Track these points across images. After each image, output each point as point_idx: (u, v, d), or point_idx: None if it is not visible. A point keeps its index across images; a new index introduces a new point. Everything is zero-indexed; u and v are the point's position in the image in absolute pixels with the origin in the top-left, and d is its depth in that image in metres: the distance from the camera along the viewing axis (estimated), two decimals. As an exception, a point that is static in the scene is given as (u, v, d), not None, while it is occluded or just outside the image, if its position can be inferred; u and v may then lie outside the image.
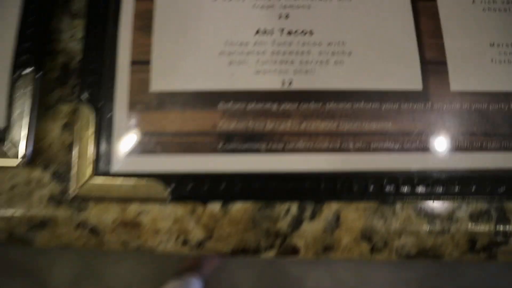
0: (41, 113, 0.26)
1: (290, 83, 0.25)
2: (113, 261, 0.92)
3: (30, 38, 0.26)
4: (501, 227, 0.25)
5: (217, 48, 0.26)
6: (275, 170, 0.24)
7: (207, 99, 0.25)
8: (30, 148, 0.25)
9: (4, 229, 0.26)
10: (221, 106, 0.25)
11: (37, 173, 0.26)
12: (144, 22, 0.26)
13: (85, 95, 0.25)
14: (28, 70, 0.26)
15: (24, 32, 0.26)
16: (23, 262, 0.92)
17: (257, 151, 0.24)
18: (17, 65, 0.26)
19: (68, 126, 0.26)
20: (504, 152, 0.25)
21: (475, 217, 0.25)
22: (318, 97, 0.25)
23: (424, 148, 0.25)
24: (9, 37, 0.26)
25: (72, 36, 0.28)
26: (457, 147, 0.25)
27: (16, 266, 0.92)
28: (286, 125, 0.25)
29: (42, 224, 0.26)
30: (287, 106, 0.25)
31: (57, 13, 0.29)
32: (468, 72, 0.26)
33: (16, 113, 0.25)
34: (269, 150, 0.24)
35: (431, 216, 0.25)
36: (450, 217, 0.25)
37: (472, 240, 0.25)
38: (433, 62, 0.26)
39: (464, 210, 0.26)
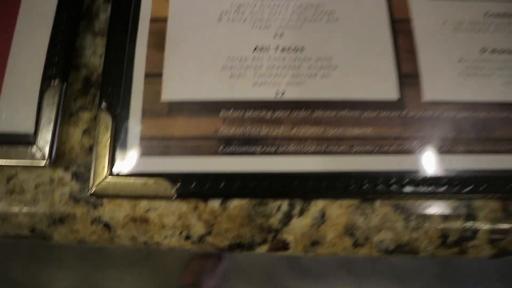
0: (64, 119, 0.30)
1: (283, 94, 0.29)
2: (112, 278, 0.93)
3: (58, 53, 0.30)
4: (469, 224, 0.28)
5: (220, 63, 0.29)
6: (268, 170, 0.27)
7: (210, 108, 0.28)
8: (54, 151, 0.29)
9: (27, 224, 0.29)
10: (222, 113, 0.28)
11: (59, 173, 0.29)
12: (158, 40, 0.30)
13: (104, 104, 0.29)
14: (55, 81, 0.30)
15: (53, 48, 0.30)
16: (23, 279, 0.93)
17: (253, 153, 0.28)
18: (46, 77, 0.30)
19: (88, 131, 0.30)
20: (470, 155, 0.28)
21: (445, 214, 0.28)
22: (307, 106, 0.29)
23: (400, 151, 0.28)
24: (41, 52, 0.30)
25: (94, 52, 0.32)
26: (429, 150, 0.28)
27: (16, 283, 0.93)
28: (279, 131, 0.28)
29: (61, 220, 0.29)
30: (279, 114, 0.28)
31: (82, 32, 0.33)
32: (439, 84, 0.30)
33: (43, 119, 0.29)
34: (264, 153, 0.28)
35: (406, 213, 0.28)
36: (423, 214, 0.28)
37: (444, 236, 0.28)
38: (408, 75, 0.30)
39: (436, 207, 0.29)
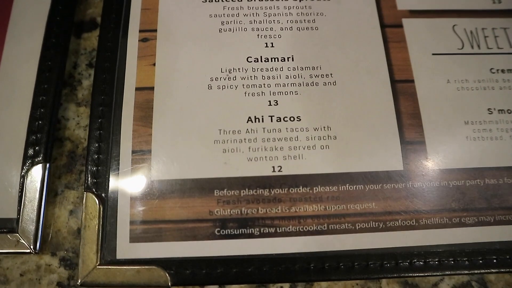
0: (49, 200, 0.28)
1: (280, 169, 0.27)
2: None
3: (39, 130, 0.28)
4: (483, 298, 0.27)
5: (212, 137, 0.28)
6: (267, 253, 0.26)
7: (203, 187, 0.27)
8: (39, 236, 0.27)
9: (14, 311, 0.28)
10: (216, 193, 0.27)
11: (46, 259, 0.27)
12: (144, 112, 0.28)
13: (90, 185, 0.27)
14: (37, 160, 0.28)
15: (33, 125, 0.28)
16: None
17: (251, 236, 0.26)
18: (27, 157, 0.28)
19: (74, 212, 0.28)
20: (481, 227, 0.27)
21: (458, 289, 0.27)
22: (306, 181, 0.27)
23: (407, 226, 0.26)
24: (22, 129, 0.28)
25: (78, 124, 0.30)
26: (438, 224, 0.27)
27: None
28: (277, 210, 0.26)
29: (50, 306, 0.27)
30: (277, 191, 0.27)
31: (64, 101, 0.31)
32: (445, 150, 0.28)
33: (26, 203, 0.27)
34: (262, 235, 0.26)
35: (416, 290, 0.27)
36: (434, 290, 0.27)
37: (457, 310, 0.27)
38: (412, 142, 0.28)
39: (447, 282, 0.27)
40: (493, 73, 0.30)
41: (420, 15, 0.32)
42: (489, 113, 0.29)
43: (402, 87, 0.29)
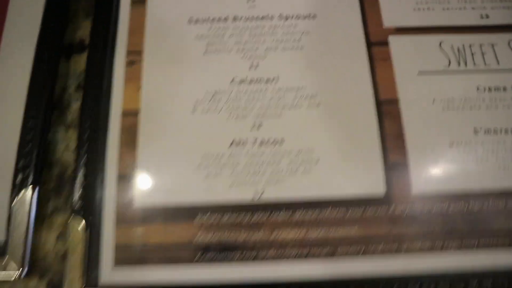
0: (37, 224, 0.29)
1: (261, 194, 0.27)
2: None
3: (28, 154, 0.29)
4: (466, 323, 0.26)
5: (195, 161, 0.28)
6: (248, 279, 0.26)
7: (186, 213, 0.27)
8: (28, 261, 0.28)
9: (3, 335, 0.28)
10: (199, 218, 0.27)
11: (33, 283, 0.28)
12: (130, 137, 0.29)
13: (76, 210, 0.27)
14: (27, 183, 0.28)
15: (23, 148, 0.29)
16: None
17: (231, 261, 0.26)
18: (17, 181, 0.28)
19: (62, 235, 0.29)
20: (463, 251, 0.26)
21: (441, 313, 0.27)
22: (288, 206, 0.27)
23: (388, 251, 0.26)
24: (11, 153, 0.29)
25: (66, 147, 0.31)
26: (419, 249, 0.26)
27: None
28: (258, 235, 0.27)
29: (39, 329, 0.28)
30: (258, 216, 0.27)
31: (53, 124, 0.31)
32: (429, 173, 0.28)
33: (15, 227, 0.28)
34: (242, 260, 0.26)
35: (398, 315, 0.27)
36: (416, 315, 0.27)
37: (440, 334, 0.27)
38: (396, 165, 0.28)
39: (430, 307, 0.27)
40: (480, 91, 0.29)
41: (407, 32, 0.31)
42: (475, 134, 0.28)
43: (387, 108, 0.29)
